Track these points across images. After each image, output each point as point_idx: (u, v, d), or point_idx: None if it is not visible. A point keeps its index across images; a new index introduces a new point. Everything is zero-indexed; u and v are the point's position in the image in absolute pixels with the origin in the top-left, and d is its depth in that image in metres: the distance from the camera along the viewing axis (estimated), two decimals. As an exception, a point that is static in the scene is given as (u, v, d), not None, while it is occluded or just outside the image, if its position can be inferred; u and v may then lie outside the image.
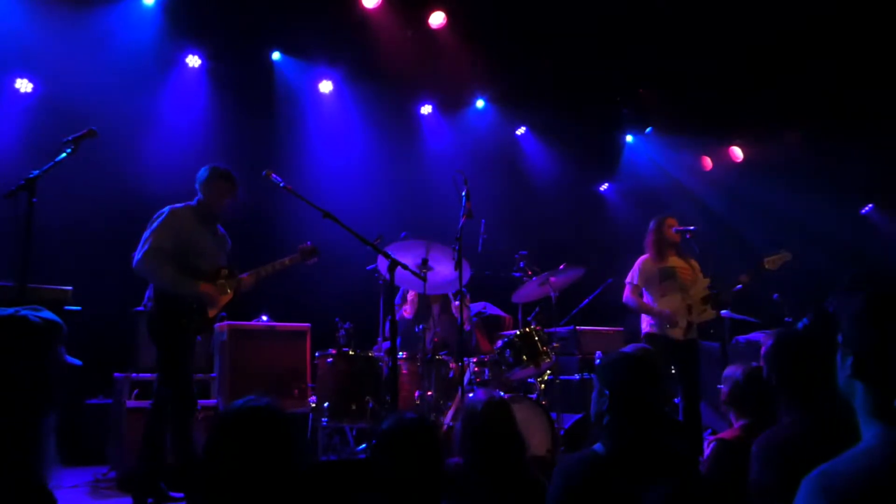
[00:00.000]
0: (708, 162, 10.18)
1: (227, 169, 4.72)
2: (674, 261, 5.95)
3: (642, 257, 6.03)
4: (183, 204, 4.62)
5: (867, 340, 1.39)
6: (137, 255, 4.37)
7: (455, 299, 6.24)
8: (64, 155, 3.69)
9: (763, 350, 2.48)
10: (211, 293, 4.49)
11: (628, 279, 6.00)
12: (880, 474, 1.30)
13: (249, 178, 4.95)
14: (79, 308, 4.33)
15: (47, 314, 2.02)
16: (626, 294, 5.98)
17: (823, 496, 1.30)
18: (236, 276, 4.68)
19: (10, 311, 1.98)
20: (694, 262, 6.00)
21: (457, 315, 6.22)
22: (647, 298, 5.91)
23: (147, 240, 4.41)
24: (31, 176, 3.43)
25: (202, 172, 4.69)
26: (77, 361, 2.18)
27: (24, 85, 6.86)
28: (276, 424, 1.90)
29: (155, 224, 4.46)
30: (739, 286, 5.71)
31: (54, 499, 1.93)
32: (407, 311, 6.39)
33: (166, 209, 4.55)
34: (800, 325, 3.41)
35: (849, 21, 7.50)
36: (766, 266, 5.66)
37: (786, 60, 8.07)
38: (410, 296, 6.38)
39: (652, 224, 6.04)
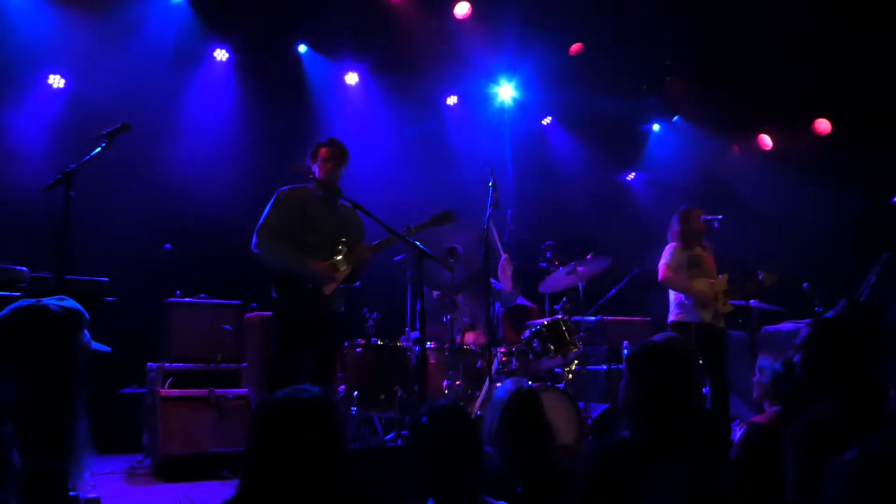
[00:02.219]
0: (737, 151, 10.07)
1: (330, 138, 4.67)
2: (699, 250, 6.00)
3: (671, 244, 6.03)
4: (300, 185, 4.60)
5: None
6: (253, 239, 4.40)
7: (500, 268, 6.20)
8: (99, 149, 3.75)
9: (799, 337, 2.48)
10: (324, 270, 4.41)
11: (661, 263, 5.99)
12: None
13: (278, 170, 5.01)
14: (114, 299, 4.39)
15: (69, 303, 2.08)
16: (662, 274, 5.95)
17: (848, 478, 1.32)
18: (353, 250, 4.55)
19: (32, 301, 2.05)
20: (711, 255, 6.06)
21: (503, 279, 6.22)
22: (703, 280, 5.95)
23: (260, 221, 4.45)
24: (68, 170, 3.50)
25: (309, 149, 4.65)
26: (106, 348, 2.24)
27: (56, 81, 6.98)
28: (325, 414, 1.91)
29: (267, 207, 4.49)
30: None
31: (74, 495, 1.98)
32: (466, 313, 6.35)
33: (278, 190, 4.56)
34: (830, 314, 3.40)
35: (880, 10, 7.38)
36: (763, 281, 5.79)
37: (816, 48, 7.95)
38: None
39: (678, 215, 6.06)
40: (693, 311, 5.81)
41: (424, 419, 2.29)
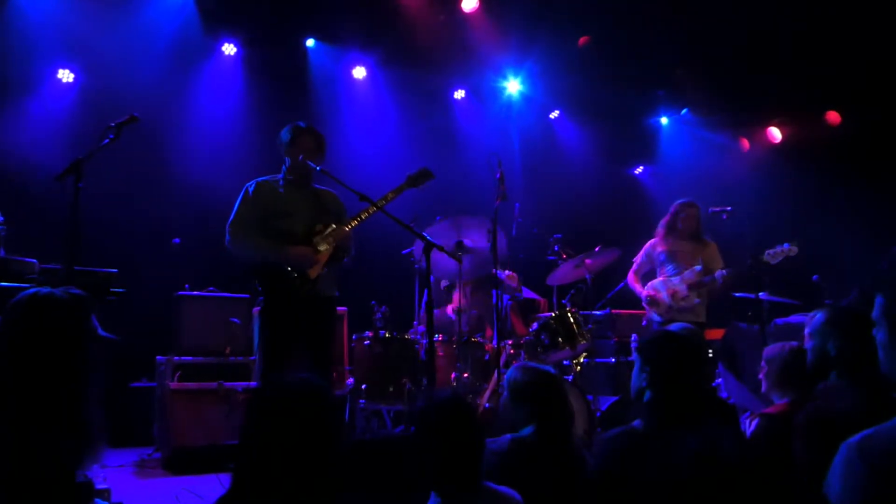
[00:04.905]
0: (745, 143, 10.04)
1: (306, 124, 4.49)
2: (678, 244, 5.89)
3: (650, 241, 6.04)
4: (269, 176, 4.48)
5: None
6: (226, 236, 4.31)
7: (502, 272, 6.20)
8: (107, 141, 3.75)
9: (810, 325, 2.47)
10: (302, 253, 4.24)
11: (634, 258, 6.06)
12: None
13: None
14: (123, 290, 4.39)
15: (76, 290, 2.10)
16: (629, 273, 6.07)
17: (862, 460, 1.31)
18: (332, 229, 4.34)
19: (39, 288, 2.08)
20: (709, 248, 5.88)
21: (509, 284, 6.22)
22: (657, 279, 5.91)
23: (230, 217, 4.35)
24: (77, 161, 3.51)
25: (281, 134, 4.45)
26: (113, 336, 2.25)
27: (66, 75, 7.02)
28: (318, 401, 1.88)
29: (237, 202, 4.39)
30: (723, 273, 5.58)
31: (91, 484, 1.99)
32: (450, 308, 6.33)
33: (245, 185, 4.44)
34: (842, 304, 3.38)
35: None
36: (765, 260, 5.46)
37: (824, 39, 7.90)
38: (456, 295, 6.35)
39: (671, 207, 6.00)
40: (650, 310, 5.83)
41: (423, 409, 2.28)
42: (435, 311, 5.58)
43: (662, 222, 6.00)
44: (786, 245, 5.45)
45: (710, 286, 5.69)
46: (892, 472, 1.31)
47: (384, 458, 3.86)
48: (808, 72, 8.33)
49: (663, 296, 5.75)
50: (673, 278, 5.79)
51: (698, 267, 5.70)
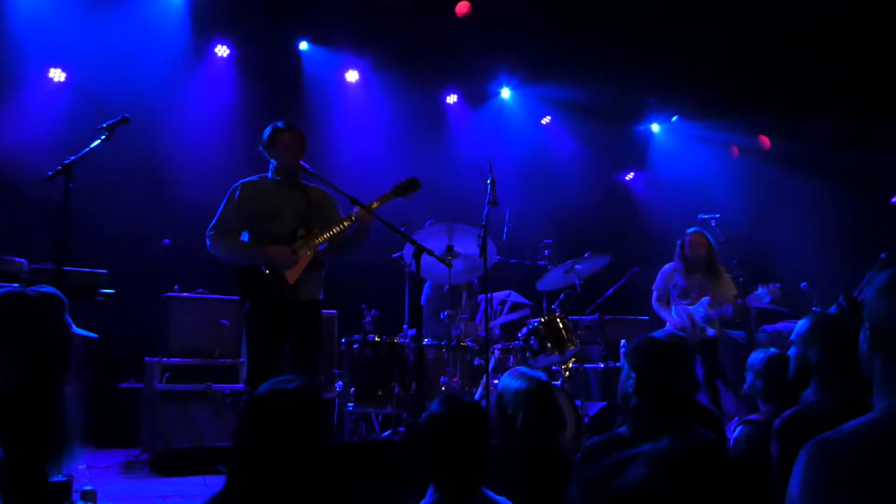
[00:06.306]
0: (735, 150, 10.10)
1: (285, 122, 4.42)
2: (689, 277, 5.85)
3: (667, 266, 6.00)
4: (257, 176, 4.44)
5: (884, 313, 1.41)
6: (206, 240, 4.28)
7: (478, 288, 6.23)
8: (98, 142, 3.74)
9: (794, 332, 2.49)
10: (281, 254, 4.18)
11: (653, 286, 6.02)
12: (882, 445, 1.30)
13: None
14: (112, 291, 4.39)
15: (48, 289, 2.10)
16: (652, 301, 6.02)
17: (825, 464, 1.31)
18: (314, 234, 4.29)
19: (9, 288, 2.07)
20: (721, 281, 5.84)
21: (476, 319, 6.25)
22: (677, 306, 5.89)
23: (213, 220, 4.32)
24: (68, 161, 3.50)
25: (263, 136, 4.41)
26: (92, 335, 2.24)
27: (57, 75, 7.01)
28: (311, 405, 1.88)
29: (222, 203, 4.35)
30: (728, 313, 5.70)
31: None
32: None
33: (233, 186, 4.40)
34: (829, 311, 3.41)
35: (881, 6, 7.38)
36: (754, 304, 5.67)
37: (815, 45, 7.94)
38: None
39: (679, 241, 5.96)
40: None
41: (440, 409, 2.27)
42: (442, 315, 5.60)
43: (676, 253, 5.94)
44: (763, 290, 5.61)
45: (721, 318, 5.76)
46: (853, 477, 1.30)
47: (372, 462, 3.87)
48: (806, 72, 8.35)
49: (687, 324, 5.73)
50: (688, 307, 5.79)
51: (706, 299, 5.72)
